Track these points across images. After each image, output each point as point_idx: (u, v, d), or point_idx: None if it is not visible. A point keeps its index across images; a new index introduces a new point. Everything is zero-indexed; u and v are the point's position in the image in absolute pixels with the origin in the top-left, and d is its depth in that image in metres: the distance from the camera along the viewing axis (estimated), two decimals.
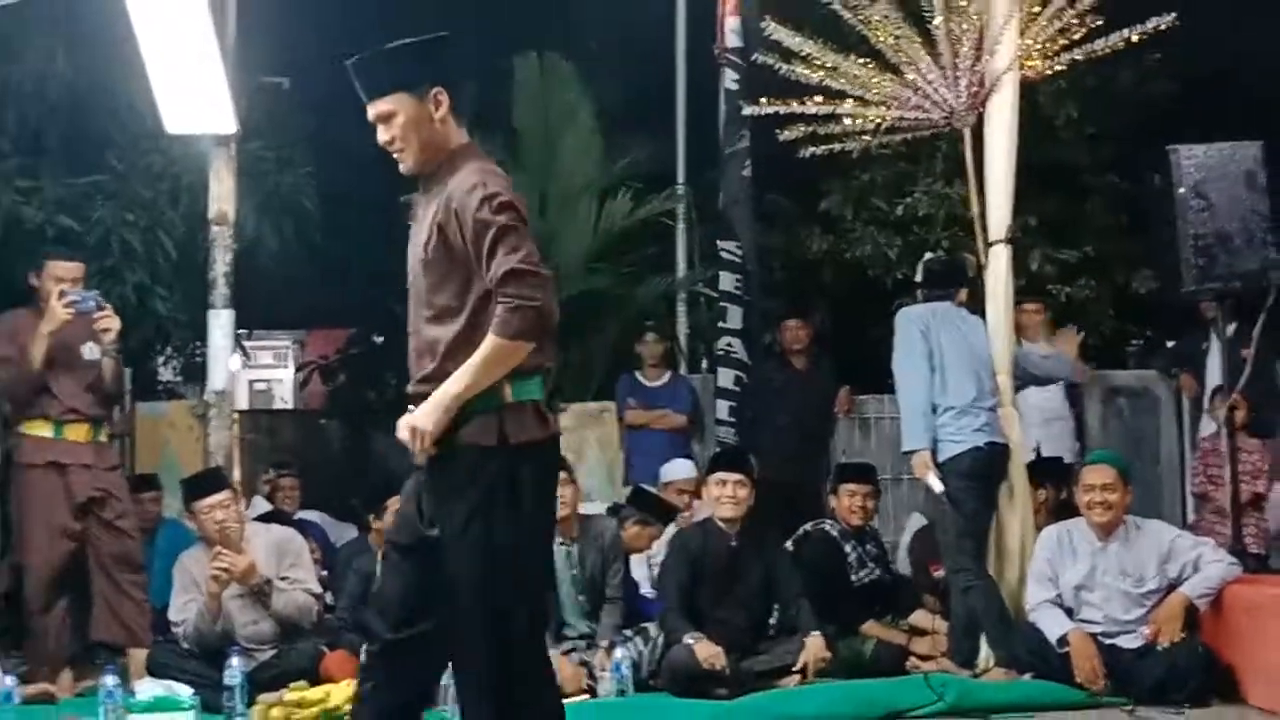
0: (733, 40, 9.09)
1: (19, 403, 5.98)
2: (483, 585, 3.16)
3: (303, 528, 7.20)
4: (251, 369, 14.13)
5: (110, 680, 4.95)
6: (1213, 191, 6.16)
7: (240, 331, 11.29)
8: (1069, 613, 5.59)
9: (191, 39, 6.31)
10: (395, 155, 3.30)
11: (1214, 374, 7.04)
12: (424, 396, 3.23)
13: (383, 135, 3.27)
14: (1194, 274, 6.17)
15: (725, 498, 6.05)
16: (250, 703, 5.13)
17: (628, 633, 5.97)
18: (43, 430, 5.91)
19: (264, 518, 6.76)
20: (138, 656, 5.83)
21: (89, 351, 5.99)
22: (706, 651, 5.60)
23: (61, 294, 5.82)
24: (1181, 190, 6.18)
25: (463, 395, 3.16)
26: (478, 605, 3.16)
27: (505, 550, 3.16)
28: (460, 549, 3.18)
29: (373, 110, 3.25)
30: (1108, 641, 5.47)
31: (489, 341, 3.14)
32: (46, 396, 5.90)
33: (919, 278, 6.55)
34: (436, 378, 3.23)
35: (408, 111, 3.23)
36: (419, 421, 3.18)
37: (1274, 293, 6.23)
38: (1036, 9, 6.33)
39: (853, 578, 6.50)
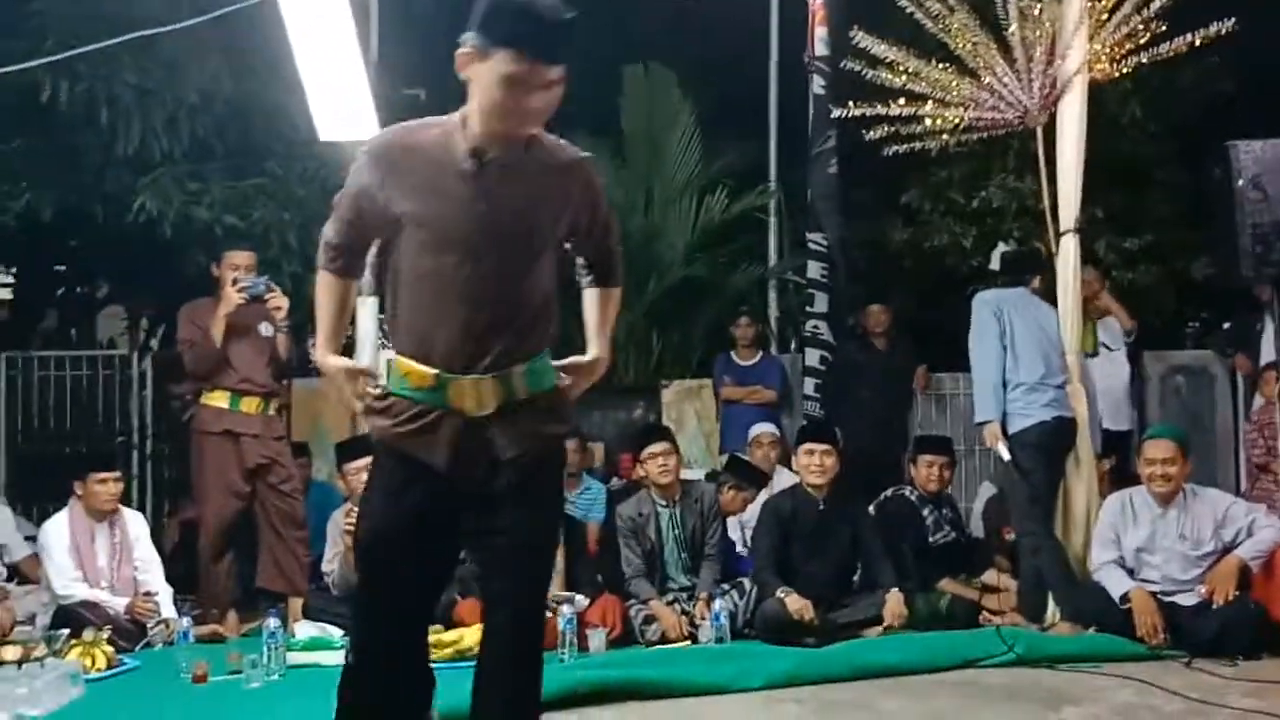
0: (821, 49, 9.01)
1: (200, 377, 6.20)
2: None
3: None
4: (388, 350, 14.47)
5: (273, 622, 5.09)
6: (1269, 184, 5.97)
7: (382, 316, 11.56)
8: (1130, 573, 5.51)
9: (340, 55, 6.45)
10: (532, 123, 2.77)
11: (1267, 352, 6.86)
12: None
13: (545, 100, 2.71)
14: (1251, 261, 5.99)
15: (814, 466, 6.05)
16: None
17: (725, 586, 6.01)
18: (220, 401, 6.12)
19: None
20: (296, 602, 6.01)
21: (265, 329, 6.19)
22: (796, 604, 5.62)
23: (234, 281, 6.02)
24: (1240, 183, 6.00)
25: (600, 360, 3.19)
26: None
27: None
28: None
29: (554, 73, 2.71)
30: (1166, 599, 5.38)
31: (616, 292, 3.18)
32: (227, 369, 6.09)
33: (995, 265, 6.48)
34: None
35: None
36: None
37: None
38: (1105, 16, 6.22)
39: (930, 539, 6.46)
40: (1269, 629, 5.18)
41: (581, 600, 5.61)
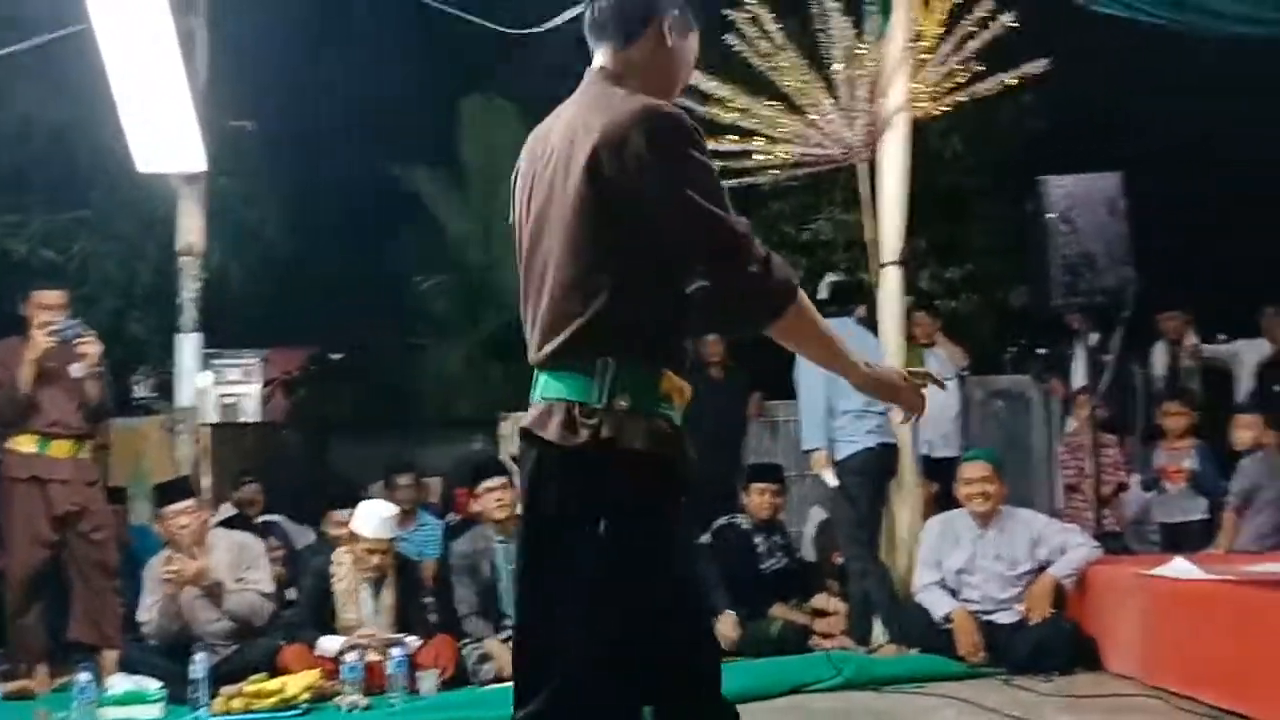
0: None
1: (6, 422, 5.87)
2: None
3: (267, 528, 7.14)
4: (221, 385, 13.95)
5: (84, 676, 4.85)
6: (1078, 217, 6.28)
7: (210, 351, 11.21)
8: (952, 593, 5.66)
9: (163, 85, 6.27)
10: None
11: (1078, 378, 7.15)
12: None
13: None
14: (1061, 290, 6.28)
15: None
16: (213, 695, 5.05)
17: None
18: (28, 446, 5.80)
19: (227, 522, 6.67)
20: (110, 655, 5.73)
21: (76, 370, 5.89)
22: None
23: (44, 324, 5.74)
24: (1051, 216, 6.29)
25: (860, 368, 2.53)
26: None
27: None
28: None
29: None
30: (986, 618, 5.54)
31: None
32: (34, 412, 5.79)
33: (823, 295, 6.58)
34: None
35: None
36: None
37: (1131, 306, 6.37)
38: (924, 56, 6.40)
39: (762, 566, 6.52)
40: (1083, 645, 5.37)
41: (413, 641, 5.49)
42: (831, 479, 5.88)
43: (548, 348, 2.33)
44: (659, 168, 2.25)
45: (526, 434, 2.37)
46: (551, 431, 2.29)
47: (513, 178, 2.56)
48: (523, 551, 2.42)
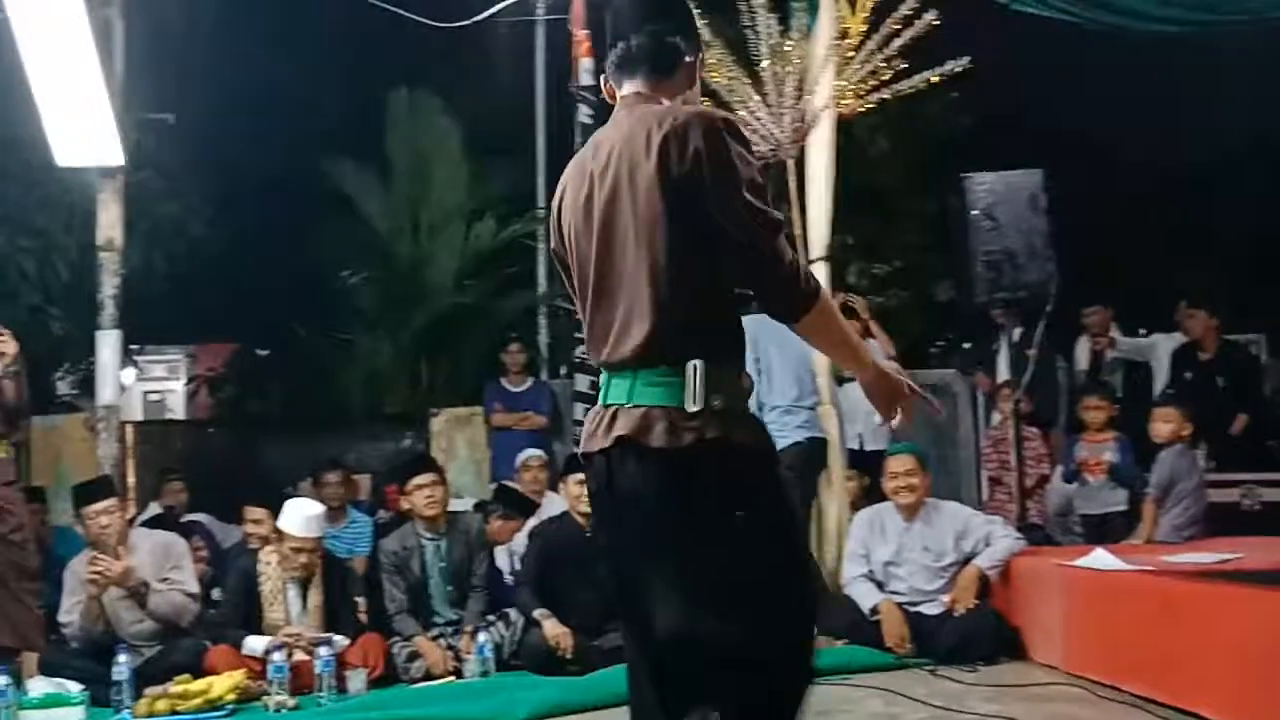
0: (586, 78, 9.08)
1: None
2: None
3: (191, 527, 7.02)
4: (145, 381, 13.70)
5: (3, 679, 4.74)
6: (1001, 214, 6.36)
7: (133, 346, 10.99)
8: (879, 585, 5.72)
9: (79, 77, 6.12)
10: None
11: (1002, 372, 7.25)
12: None
13: None
14: (985, 285, 6.37)
15: (584, 496, 6.04)
16: (137, 696, 4.97)
17: (491, 618, 5.92)
18: None
19: (151, 522, 6.55)
20: (30, 657, 5.59)
21: None
22: (554, 630, 5.59)
23: None
24: (974, 212, 6.37)
25: (873, 367, 2.65)
26: None
27: None
28: None
29: None
30: (913, 610, 5.60)
31: None
32: None
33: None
34: None
35: None
36: None
37: (1053, 301, 6.47)
38: (850, 54, 6.47)
39: None
40: (1007, 635, 5.46)
41: (340, 640, 5.43)
42: None
43: (632, 352, 2.42)
44: (714, 163, 2.36)
45: (623, 442, 2.42)
46: (657, 438, 2.37)
47: (555, 208, 2.66)
48: (630, 560, 2.48)
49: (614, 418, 2.45)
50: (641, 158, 2.40)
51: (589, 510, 5.95)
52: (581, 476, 6.05)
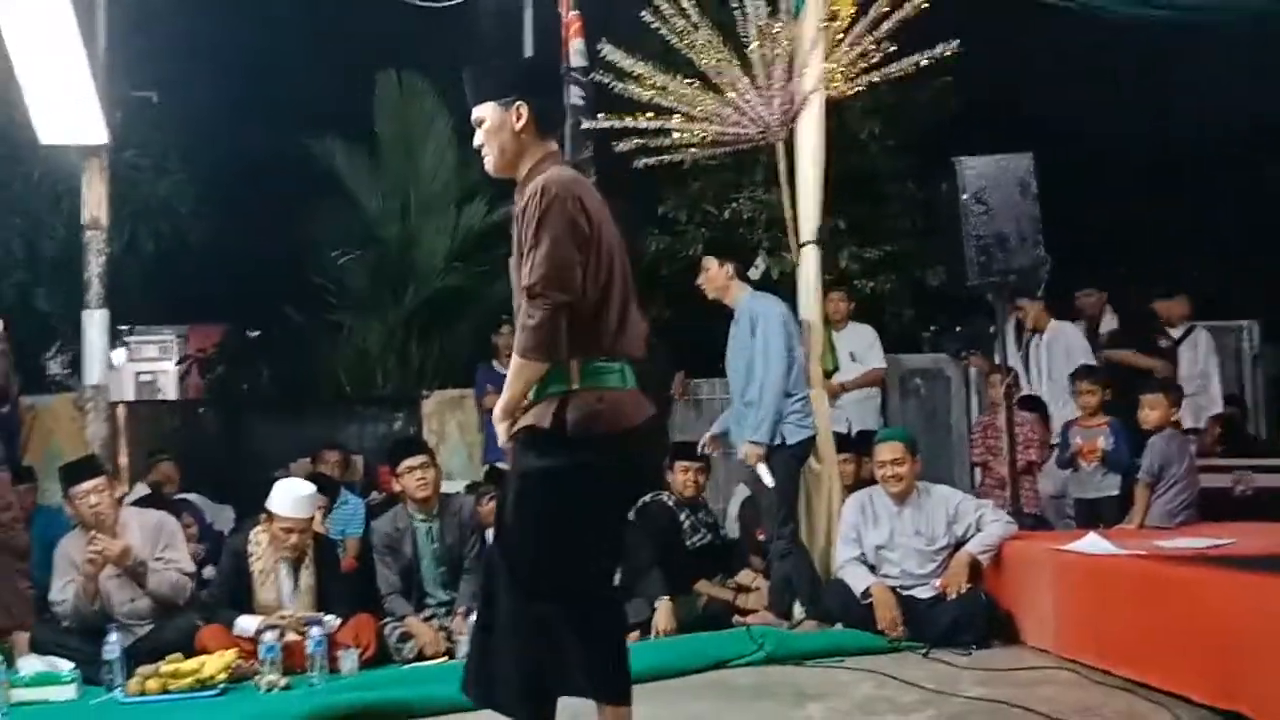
0: (577, 60, 8.97)
1: None
2: (516, 562, 3.13)
3: (181, 507, 6.99)
4: (136, 361, 13.68)
5: None
6: (991, 198, 6.33)
7: (123, 327, 10.94)
8: (871, 569, 5.72)
9: (62, 55, 6.07)
10: (483, 157, 3.32)
11: (997, 357, 7.23)
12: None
13: (476, 139, 3.30)
14: (976, 269, 6.34)
15: None
16: (129, 675, 4.94)
17: None
18: None
19: (141, 501, 6.51)
20: (21, 636, 5.56)
21: None
22: None
23: None
24: (965, 196, 6.34)
25: (507, 406, 3.16)
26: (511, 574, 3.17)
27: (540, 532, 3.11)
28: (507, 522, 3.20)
29: (473, 115, 3.29)
30: (905, 593, 5.60)
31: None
32: None
33: (756, 275, 6.54)
34: None
35: (492, 119, 3.25)
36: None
37: (1044, 285, 6.46)
38: (839, 36, 6.43)
39: (687, 543, 6.53)
40: (999, 619, 5.46)
41: (332, 621, 5.41)
42: (769, 477, 5.81)
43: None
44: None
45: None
46: None
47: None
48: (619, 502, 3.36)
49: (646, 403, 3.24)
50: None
51: None
52: None
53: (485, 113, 3.26)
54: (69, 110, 6.31)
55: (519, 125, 3.23)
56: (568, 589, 3.11)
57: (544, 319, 3.01)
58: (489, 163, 3.30)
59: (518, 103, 3.23)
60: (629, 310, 3.23)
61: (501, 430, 3.22)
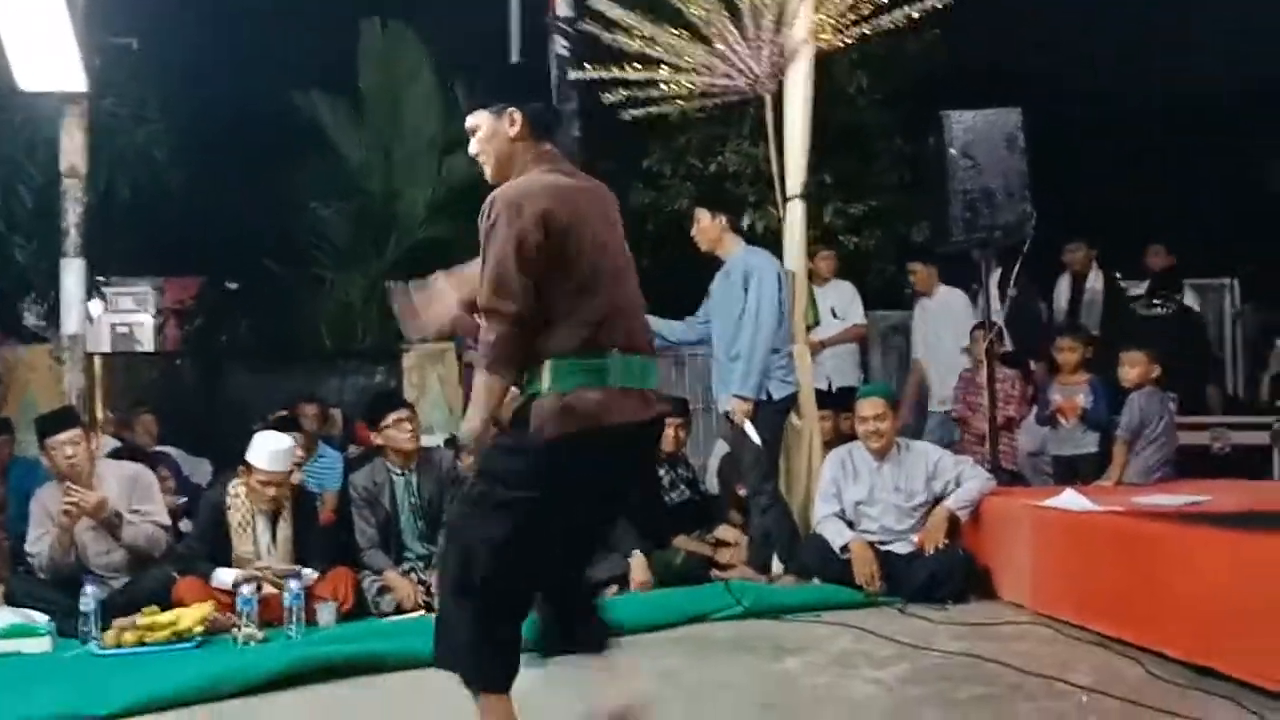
0: (563, 9, 8.90)
1: None
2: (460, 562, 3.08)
3: (158, 459, 6.96)
4: (113, 313, 13.57)
5: None
6: (978, 152, 6.30)
7: (100, 278, 10.84)
8: (850, 525, 5.73)
9: (41, 1, 5.94)
10: (480, 163, 3.29)
11: (981, 312, 7.23)
12: None
13: (471, 147, 3.29)
14: (961, 225, 6.31)
15: None
16: (105, 627, 4.93)
17: None
18: None
19: (116, 453, 6.47)
20: None
21: None
22: None
23: None
24: (952, 151, 6.30)
25: (480, 425, 3.10)
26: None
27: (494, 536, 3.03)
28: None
29: (467, 123, 3.27)
30: (883, 549, 5.62)
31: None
32: None
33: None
34: None
35: (486, 127, 3.23)
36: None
37: (1029, 242, 6.43)
38: None
39: (666, 498, 6.54)
40: (976, 575, 5.49)
41: (309, 574, 5.40)
42: (754, 432, 5.80)
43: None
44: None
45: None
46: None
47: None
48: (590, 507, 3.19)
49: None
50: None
51: None
52: None
53: (479, 121, 3.24)
54: (48, 57, 6.20)
55: (513, 132, 3.21)
56: (508, 596, 3.06)
57: (501, 333, 3.00)
58: (487, 171, 3.27)
59: (510, 110, 3.21)
60: (621, 302, 3.14)
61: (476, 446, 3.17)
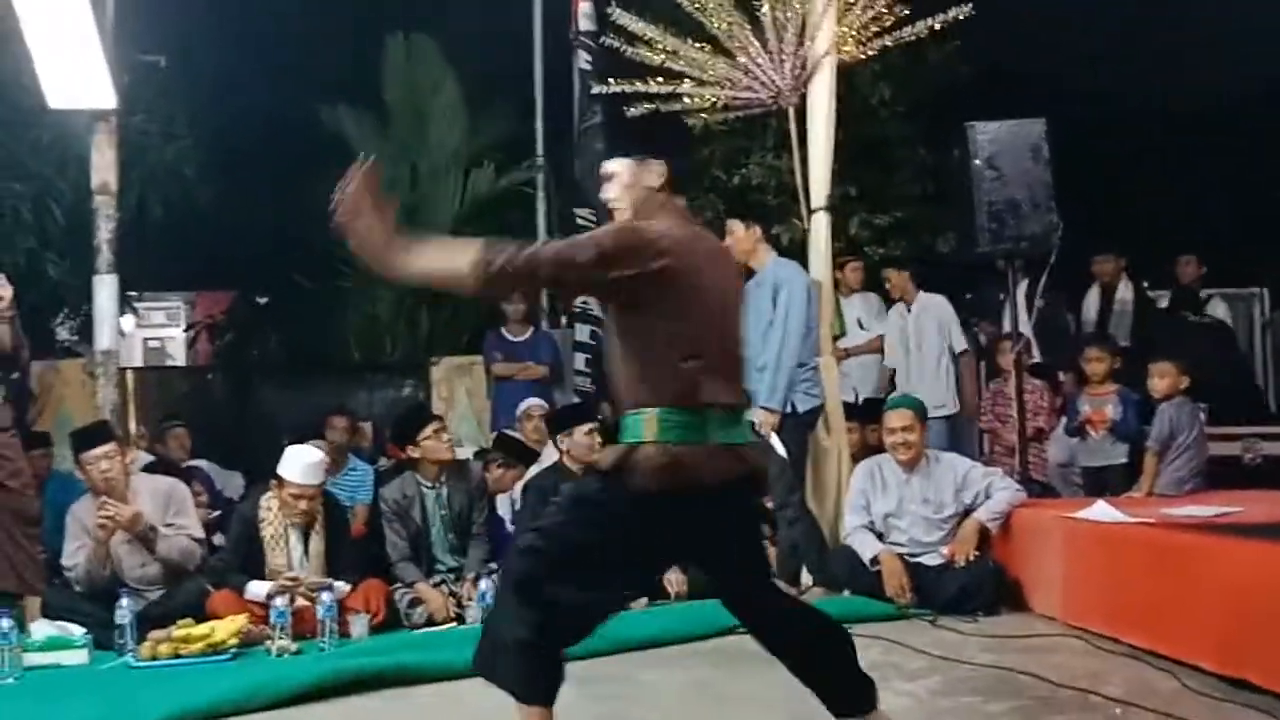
0: (585, 24, 9.00)
1: None
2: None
3: (191, 473, 7.02)
4: (145, 328, 13.70)
5: (5, 623, 4.74)
6: (1003, 163, 6.31)
7: (132, 293, 10.95)
8: (880, 537, 5.73)
9: (71, 18, 6.04)
10: (612, 208, 3.27)
11: (1008, 324, 7.22)
12: None
13: (605, 192, 3.27)
14: (987, 236, 6.32)
15: (576, 449, 6.09)
16: (140, 640, 4.98)
17: (492, 566, 5.92)
18: None
19: (151, 467, 6.54)
20: (33, 601, 5.60)
21: None
22: None
23: None
24: (977, 162, 6.32)
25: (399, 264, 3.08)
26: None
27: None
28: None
29: (603, 168, 3.28)
30: (913, 561, 5.61)
31: None
32: None
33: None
34: None
35: (628, 175, 3.23)
36: None
37: (1056, 252, 6.43)
38: (851, 0, 6.37)
39: None
40: (1007, 586, 5.48)
41: (341, 586, 5.44)
42: (780, 446, 5.78)
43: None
44: None
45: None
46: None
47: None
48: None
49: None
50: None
51: (581, 461, 5.97)
52: (587, 427, 6.12)
53: (621, 168, 3.23)
54: (78, 74, 6.29)
55: (657, 183, 3.22)
56: (557, 604, 3.02)
57: (474, 271, 2.89)
58: (619, 217, 3.24)
59: (655, 162, 3.23)
60: (727, 358, 3.12)
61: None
